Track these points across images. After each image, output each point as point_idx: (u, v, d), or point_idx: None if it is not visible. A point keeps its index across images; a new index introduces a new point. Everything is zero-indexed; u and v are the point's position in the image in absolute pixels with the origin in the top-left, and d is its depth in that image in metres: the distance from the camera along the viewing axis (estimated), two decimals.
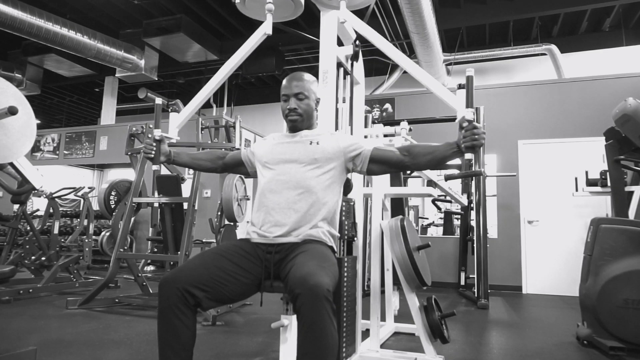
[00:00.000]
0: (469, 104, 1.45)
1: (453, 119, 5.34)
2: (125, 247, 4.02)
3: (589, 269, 2.70)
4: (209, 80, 2.01)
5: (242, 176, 4.13)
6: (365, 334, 2.46)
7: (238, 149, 4.02)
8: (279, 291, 1.50)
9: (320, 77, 1.97)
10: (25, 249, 4.72)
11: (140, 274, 3.97)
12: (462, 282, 5.11)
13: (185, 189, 3.97)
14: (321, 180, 1.61)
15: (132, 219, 4.36)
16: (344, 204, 1.82)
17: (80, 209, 5.93)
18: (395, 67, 7.91)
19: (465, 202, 4.28)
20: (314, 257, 1.40)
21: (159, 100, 1.89)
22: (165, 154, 1.78)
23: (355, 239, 1.98)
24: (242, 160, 1.83)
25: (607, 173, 3.74)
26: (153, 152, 1.76)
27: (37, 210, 6.20)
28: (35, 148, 8.40)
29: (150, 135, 1.71)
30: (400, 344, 2.73)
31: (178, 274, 1.37)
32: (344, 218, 1.83)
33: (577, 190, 4.44)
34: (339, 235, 1.71)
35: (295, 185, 1.59)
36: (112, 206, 4.41)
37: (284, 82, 1.71)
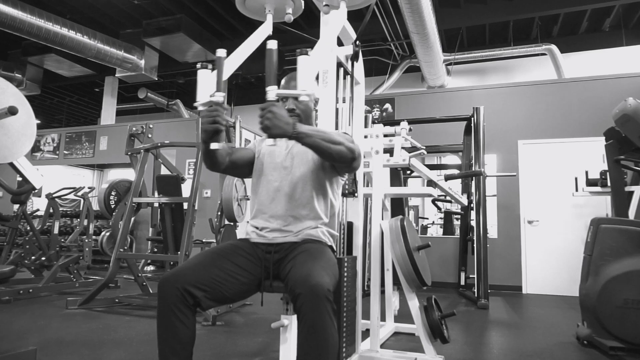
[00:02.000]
0: (271, 80, 1.27)
1: (453, 119, 5.37)
2: (125, 247, 4.02)
3: (589, 269, 2.70)
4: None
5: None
6: (365, 334, 2.46)
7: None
8: (279, 291, 1.50)
9: (320, 77, 1.97)
10: (25, 249, 4.72)
11: (140, 274, 3.97)
12: (462, 282, 5.11)
13: (185, 189, 3.98)
14: (317, 183, 1.61)
15: (132, 219, 4.36)
16: None
17: (80, 209, 5.94)
18: (395, 67, 7.92)
19: (465, 202, 4.28)
20: (314, 257, 1.40)
21: (222, 52, 1.36)
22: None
23: (356, 194, 1.96)
24: (253, 159, 1.70)
25: (607, 173, 3.75)
26: (224, 121, 1.34)
27: (37, 210, 6.20)
28: (35, 148, 8.40)
29: (211, 100, 1.31)
30: (400, 344, 2.73)
31: (177, 274, 1.36)
32: (344, 180, 1.81)
33: (577, 190, 4.44)
34: (338, 234, 1.71)
35: (292, 191, 1.59)
36: (112, 206, 4.41)
37: (282, 82, 1.71)
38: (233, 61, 1.71)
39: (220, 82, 1.33)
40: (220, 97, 1.32)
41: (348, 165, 1.52)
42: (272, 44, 1.32)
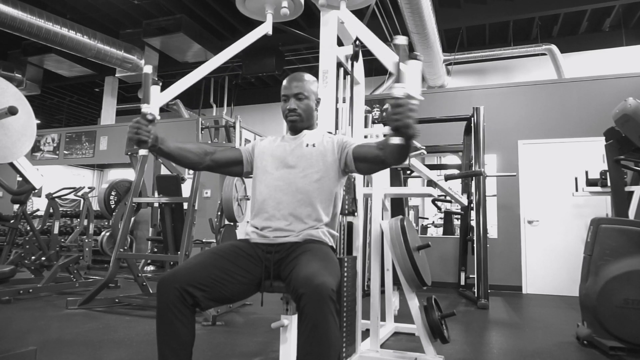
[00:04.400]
0: (400, 78, 1.27)
1: (453, 119, 5.35)
2: (125, 247, 4.02)
3: (589, 269, 2.70)
4: (202, 69, 1.87)
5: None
6: (365, 334, 2.46)
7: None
8: (279, 291, 1.50)
9: (320, 77, 1.97)
10: (25, 249, 4.72)
11: (140, 274, 3.97)
12: (462, 282, 5.11)
13: (185, 189, 3.97)
14: (320, 183, 1.61)
15: (132, 219, 4.35)
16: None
17: (80, 209, 5.94)
18: None
19: (465, 202, 4.28)
20: (317, 257, 1.39)
21: (148, 69, 1.53)
22: (153, 137, 1.50)
23: (356, 214, 1.97)
24: (240, 159, 1.73)
25: (607, 173, 3.75)
26: (147, 135, 1.46)
27: (37, 210, 6.20)
28: (35, 148, 8.40)
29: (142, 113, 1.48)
30: (400, 344, 2.73)
31: (176, 274, 1.36)
32: (344, 192, 1.81)
33: (577, 190, 4.44)
34: (338, 235, 1.71)
35: (295, 190, 1.58)
36: (112, 206, 4.41)
37: (284, 82, 1.71)
38: (225, 55, 1.88)
39: (145, 95, 1.50)
40: (146, 108, 1.46)
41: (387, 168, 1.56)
42: (402, 40, 1.30)
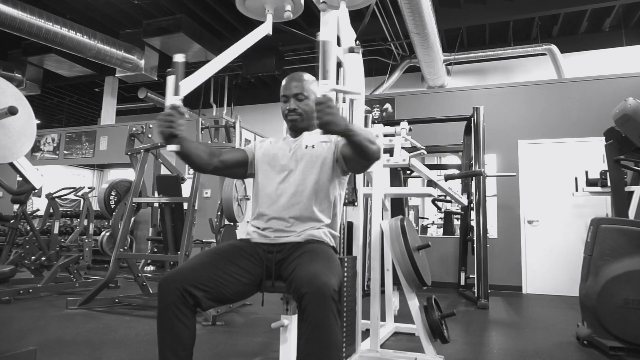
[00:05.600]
0: (327, 73, 1.27)
1: (453, 119, 5.35)
2: (125, 247, 4.02)
3: (589, 269, 2.70)
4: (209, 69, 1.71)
5: None
6: (365, 334, 2.46)
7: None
8: (280, 291, 1.50)
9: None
10: (25, 249, 4.72)
11: (140, 274, 3.97)
12: (462, 282, 5.11)
13: (185, 189, 3.97)
14: (319, 185, 1.60)
15: (132, 219, 4.35)
16: None
17: (80, 209, 5.94)
18: (395, 67, 7.92)
19: (465, 202, 4.28)
20: (319, 257, 1.39)
21: (179, 57, 1.40)
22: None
23: (356, 203, 1.97)
24: (245, 160, 1.71)
25: (607, 173, 3.75)
26: (180, 129, 1.37)
27: (37, 210, 6.20)
28: (35, 148, 8.40)
29: (170, 105, 1.37)
30: (400, 344, 2.73)
31: (177, 274, 1.36)
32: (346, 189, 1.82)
33: (577, 190, 4.44)
34: (339, 235, 1.71)
35: (295, 192, 1.59)
36: (112, 206, 4.41)
37: (284, 82, 1.71)
38: (225, 58, 1.74)
39: (177, 86, 1.37)
40: (176, 100, 1.36)
41: (371, 163, 1.51)
42: (326, 36, 1.28)
